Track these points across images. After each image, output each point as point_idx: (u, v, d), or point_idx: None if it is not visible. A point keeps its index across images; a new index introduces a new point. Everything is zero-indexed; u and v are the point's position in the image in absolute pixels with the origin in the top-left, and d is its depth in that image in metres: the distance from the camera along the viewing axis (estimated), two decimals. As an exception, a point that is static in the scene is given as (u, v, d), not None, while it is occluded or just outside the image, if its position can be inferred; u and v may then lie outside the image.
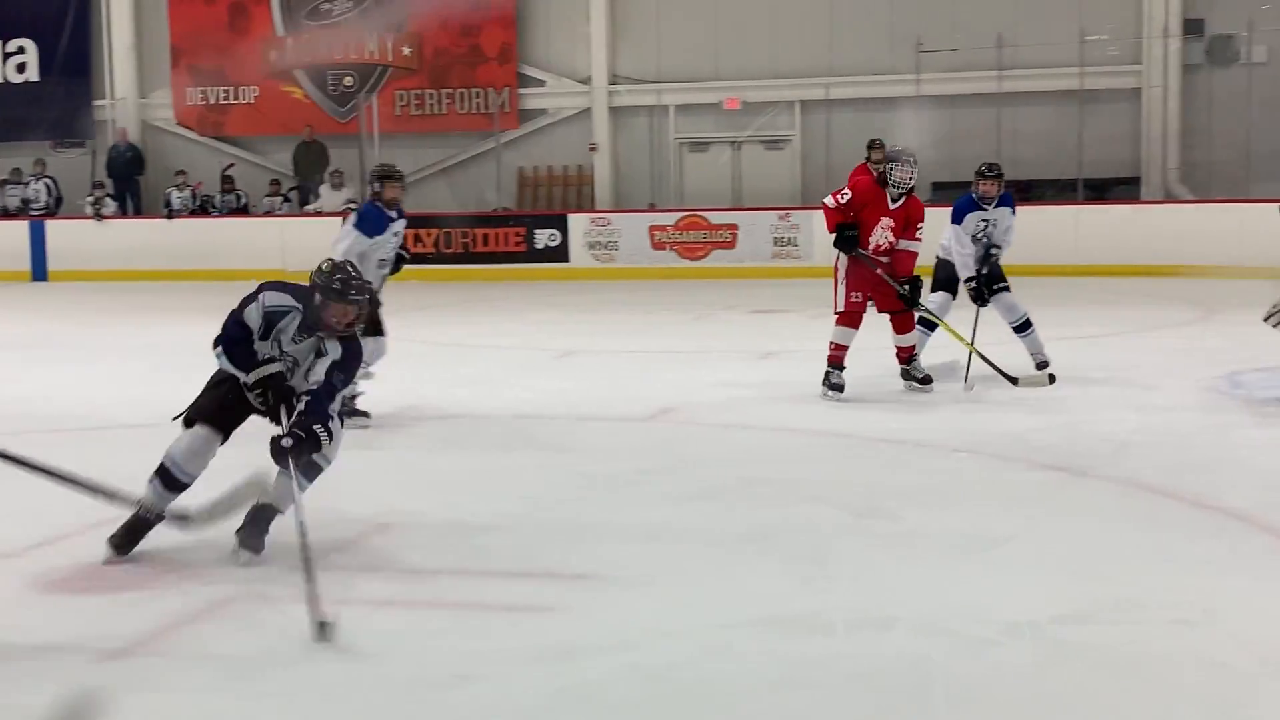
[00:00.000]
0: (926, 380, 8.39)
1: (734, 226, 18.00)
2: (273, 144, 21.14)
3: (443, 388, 9.05)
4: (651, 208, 19.23)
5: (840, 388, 8.15)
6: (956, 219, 8.71)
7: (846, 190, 8.32)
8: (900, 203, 8.24)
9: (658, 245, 17.91)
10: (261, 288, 5.09)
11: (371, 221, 7.77)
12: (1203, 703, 3.55)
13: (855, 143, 19.09)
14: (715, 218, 18.03)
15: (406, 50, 20.75)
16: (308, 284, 5.05)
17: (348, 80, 20.99)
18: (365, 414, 7.59)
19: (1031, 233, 16.23)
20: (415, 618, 4.33)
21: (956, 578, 4.61)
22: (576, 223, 18.31)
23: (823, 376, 8.24)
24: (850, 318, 8.26)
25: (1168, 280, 15.40)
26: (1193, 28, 18.02)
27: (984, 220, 8.73)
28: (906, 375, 8.46)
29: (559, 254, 18.30)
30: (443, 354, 10.96)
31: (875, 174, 8.95)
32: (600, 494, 5.99)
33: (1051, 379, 8.26)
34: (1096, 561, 4.75)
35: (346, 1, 20.84)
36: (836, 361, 8.22)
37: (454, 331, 12.48)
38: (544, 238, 18.41)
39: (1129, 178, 18.15)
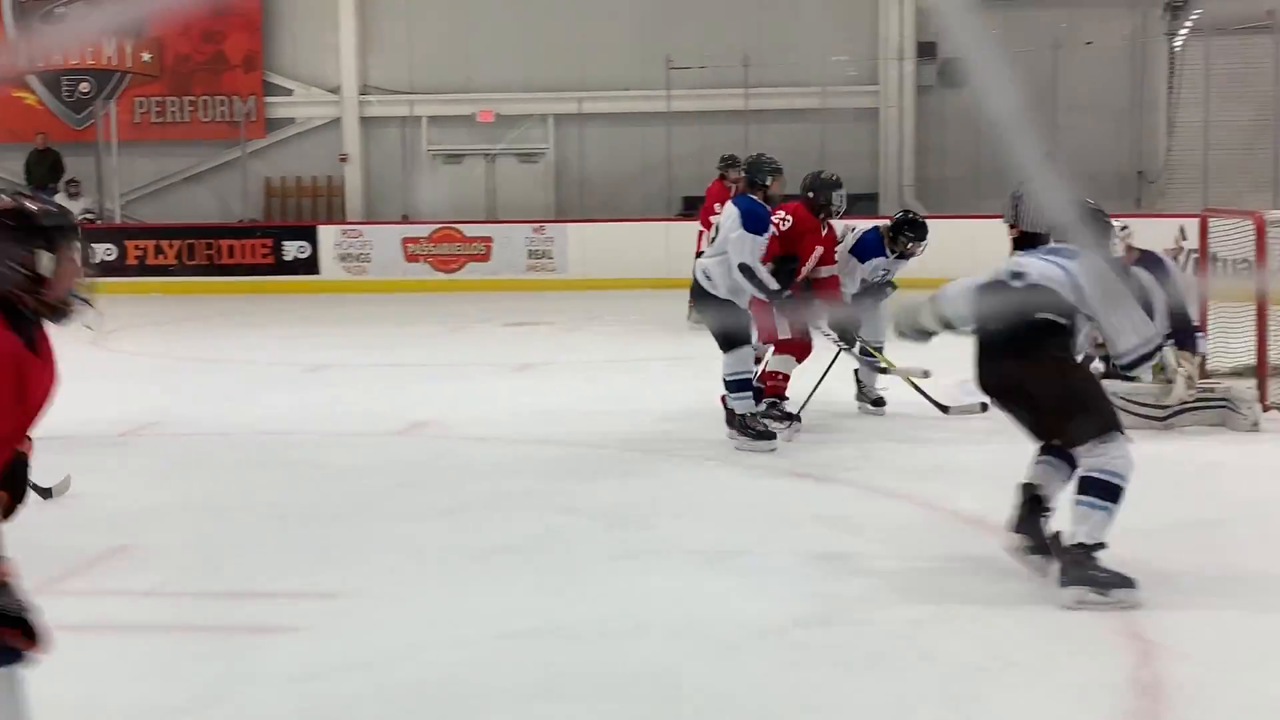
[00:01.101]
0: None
1: (488, 239, 17.97)
2: (3, 151, 20.15)
3: (186, 404, 8.79)
4: (404, 220, 19.06)
5: (792, 417, 7.45)
6: (862, 256, 8.31)
7: (787, 216, 7.71)
8: (827, 229, 7.98)
9: (411, 258, 17.74)
10: None
11: (757, 219, 7.07)
12: (937, 697, 3.71)
13: (608, 156, 19.40)
14: (469, 230, 17.98)
15: (146, 56, 20.08)
16: None
17: (84, 86, 20.18)
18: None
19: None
20: (159, 641, 4.20)
21: (705, 585, 4.72)
22: (327, 234, 18.00)
23: (766, 409, 7.46)
24: (793, 346, 7.66)
25: (904, 294, 16.02)
26: (926, 51, 18.83)
27: (886, 270, 8.44)
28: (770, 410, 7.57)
29: (309, 266, 17.95)
30: (187, 369, 10.65)
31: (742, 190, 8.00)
32: (351, 510, 5.92)
33: (984, 407, 6.60)
34: (836, 564, 4.92)
35: (82, 6, 20.03)
36: (778, 392, 7.63)
37: (198, 346, 12.13)
38: (293, 249, 18.05)
39: (868, 194, 18.83)
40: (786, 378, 7.67)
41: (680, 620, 4.31)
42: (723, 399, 7.28)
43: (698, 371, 9.94)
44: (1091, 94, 17.37)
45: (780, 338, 7.60)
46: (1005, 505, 5.69)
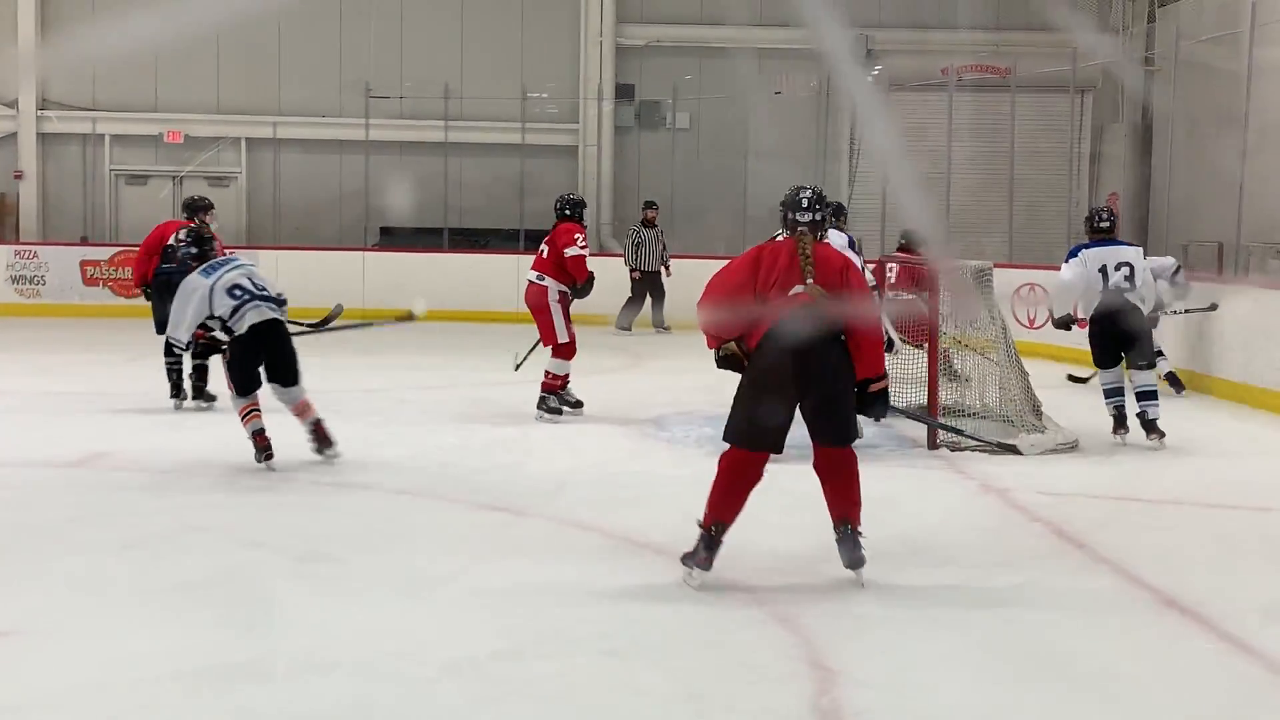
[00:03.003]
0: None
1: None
2: None
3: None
4: (84, 241, 18.20)
5: (576, 404, 9.26)
6: None
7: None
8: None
9: (90, 281, 16.95)
10: None
11: None
12: (627, 727, 3.77)
13: (304, 183, 19.02)
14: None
15: None
16: None
17: None
18: None
19: (476, 280, 16.84)
20: None
21: (397, 619, 4.66)
22: (0, 254, 17.01)
23: (540, 401, 9.16)
24: (571, 349, 9.19)
25: (599, 330, 16.27)
26: (624, 92, 19.24)
27: None
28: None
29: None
30: None
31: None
32: (21, 544, 5.60)
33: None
34: (532, 597, 4.94)
35: None
36: (553, 389, 9.18)
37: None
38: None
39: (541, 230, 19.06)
40: (565, 377, 9.20)
41: (372, 654, 4.24)
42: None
43: (396, 401, 9.87)
44: (781, 141, 18.06)
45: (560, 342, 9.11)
46: (691, 535, 5.85)
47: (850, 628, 4.63)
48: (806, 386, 5.04)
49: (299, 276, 16.70)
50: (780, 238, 5.43)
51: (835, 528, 5.17)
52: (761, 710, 3.88)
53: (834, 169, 18.73)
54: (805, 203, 5.27)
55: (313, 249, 17.69)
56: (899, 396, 9.16)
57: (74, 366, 11.97)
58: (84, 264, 17.07)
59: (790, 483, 7.16)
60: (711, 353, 5.27)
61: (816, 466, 5.21)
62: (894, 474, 7.43)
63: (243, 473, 7.15)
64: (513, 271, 17.08)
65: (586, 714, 3.85)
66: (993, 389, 8.54)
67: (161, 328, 8.28)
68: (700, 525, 5.11)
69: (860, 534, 5.14)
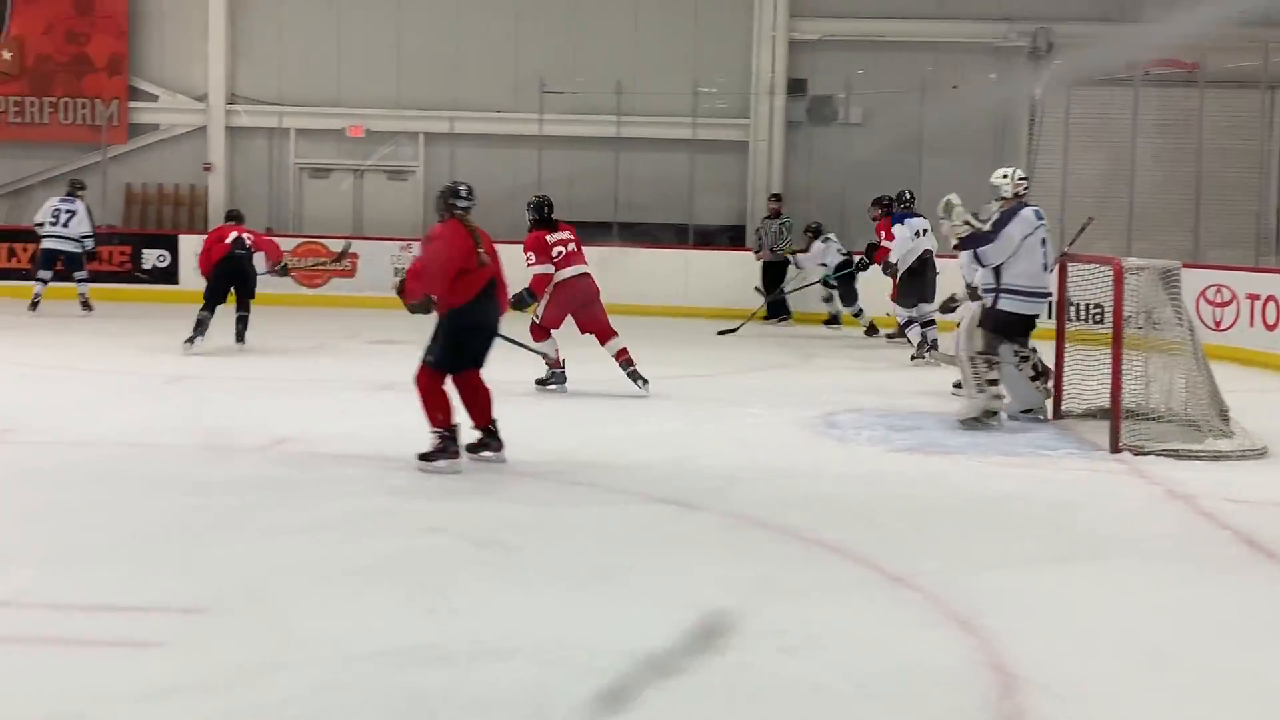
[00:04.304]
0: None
1: (355, 255, 17.79)
2: None
3: (42, 412, 8.53)
4: (269, 232, 18.74)
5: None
6: None
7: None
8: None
9: (273, 272, 17.43)
10: None
11: None
12: (803, 724, 3.75)
13: (478, 177, 19.27)
14: (335, 245, 17.76)
15: (6, 55, 19.50)
16: None
17: (-62, 82, 19.55)
18: None
19: (645, 274, 16.93)
20: (12, 654, 4.06)
21: (573, 608, 4.71)
22: (187, 244, 17.63)
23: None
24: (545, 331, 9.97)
25: (772, 326, 16.26)
26: (796, 87, 19.13)
27: None
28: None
29: (168, 275, 17.61)
30: (42, 377, 10.34)
31: None
32: (211, 525, 5.79)
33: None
34: (705, 591, 4.94)
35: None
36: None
37: (54, 353, 11.78)
38: (152, 258, 17.68)
39: (735, 225, 19.06)
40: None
41: (550, 642, 4.29)
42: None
43: (560, 395, 9.98)
44: (955, 137, 17.78)
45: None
46: (870, 537, 5.80)
47: (1032, 632, 4.53)
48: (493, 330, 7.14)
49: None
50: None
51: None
52: (942, 712, 3.82)
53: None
54: (464, 192, 7.13)
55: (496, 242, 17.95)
56: (1081, 398, 8.98)
57: (260, 353, 12.34)
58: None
59: (971, 485, 7.07)
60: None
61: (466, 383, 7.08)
62: (1075, 478, 7.26)
63: (406, 463, 7.28)
64: (680, 266, 17.24)
65: (764, 711, 3.84)
66: (1179, 392, 8.28)
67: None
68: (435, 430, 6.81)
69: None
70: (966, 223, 8.82)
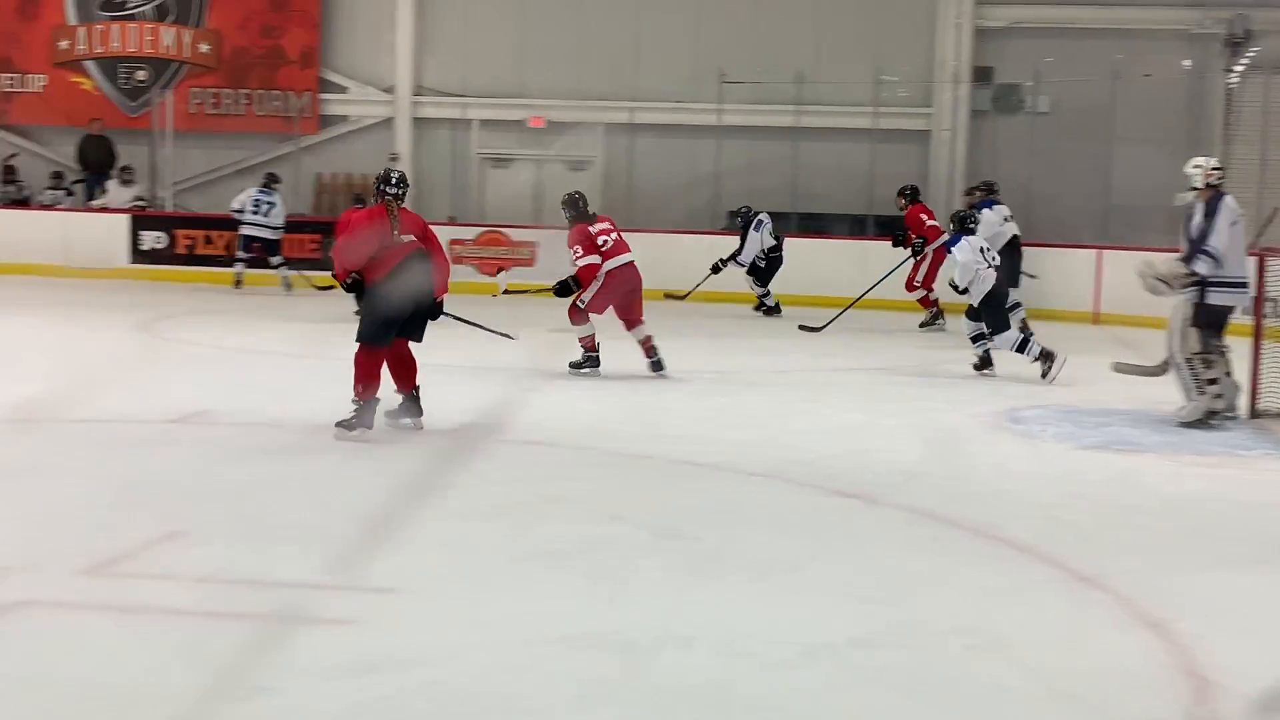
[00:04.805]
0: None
1: (533, 244, 18.02)
2: (58, 135, 20.37)
3: (237, 394, 8.83)
4: (451, 221, 19.11)
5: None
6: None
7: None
8: None
9: (456, 259, 17.77)
10: None
11: None
12: (988, 724, 3.70)
13: (657, 167, 19.41)
14: (515, 234, 18.03)
15: (204, 48, 20.24)
16: None
17: (141, 74, 20.35)
18: None
19: (823, 265, 16.80)
20: (211, 627, 4.22)
21: (753, 599, 4.70)
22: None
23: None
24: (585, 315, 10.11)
25: (952, 318, 15.98)
26: (981, 76, 18.78)
27: None
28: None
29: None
30: (236, 360, 10.69)
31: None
32: (400, 507, 5.93)
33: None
34: (887, 586, 4.90)
35: (143, -6, 20.27)
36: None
37: (247, 337, 12.18)
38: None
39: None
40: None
41: (729, 634, 4.30)
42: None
43: (740, 386, 9.98)
44: (1146, 126, 17.27)
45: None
46: (1057, 535, 5.68)
47: (1227, 636, 4.38)
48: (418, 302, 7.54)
49: (648, 260, 17.12)
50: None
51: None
52: (1135, 717, 3.73)
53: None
54: (394, 179, 7.61)
55: (663, 232, 18.05)
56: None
57: (447, 341, 12.57)
58: (451, 243, 17.90)
59: (1162, 484, 6.87)
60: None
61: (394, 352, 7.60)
62: (1271, 479, 7.02)
63: (596, 450, 7.36)
64: (858, 257, 17.04)
65: (947, 709, 3.79)
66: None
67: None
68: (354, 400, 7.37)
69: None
70: (1168, 275, 8.44)
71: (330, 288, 13.75)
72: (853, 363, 10.83)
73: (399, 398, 7.73)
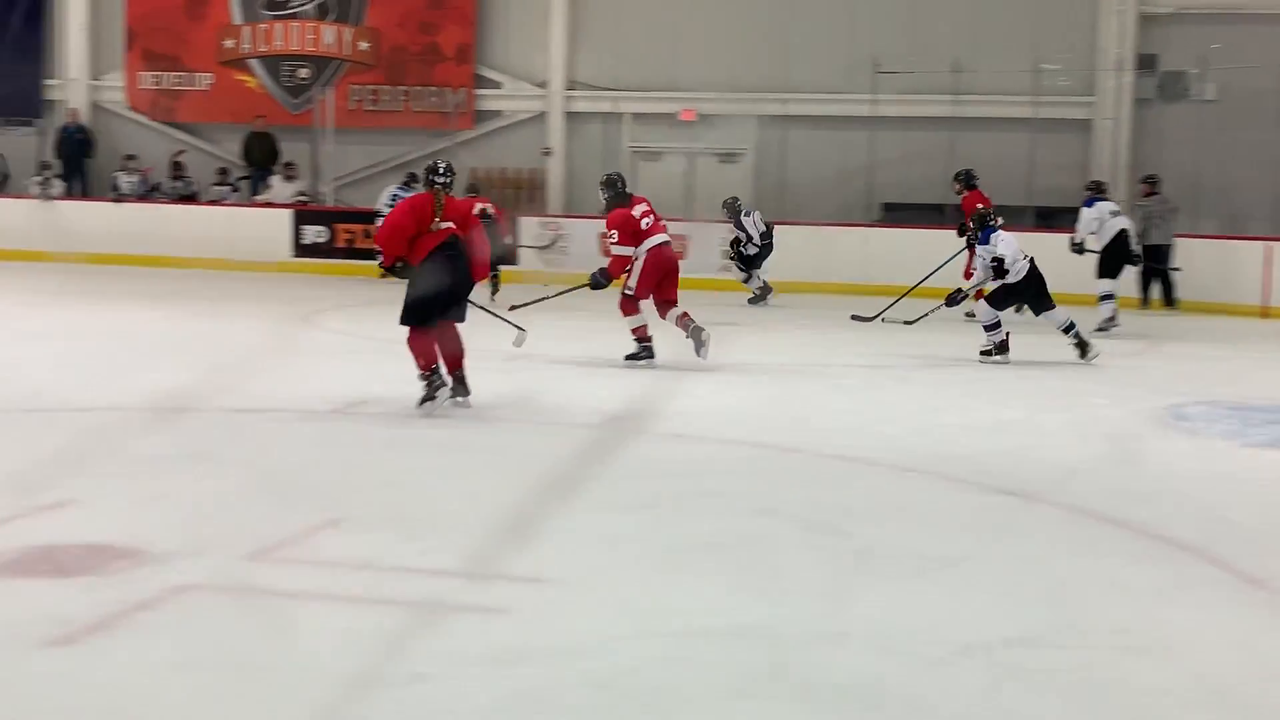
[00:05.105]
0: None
1: (684, 237, 18.02)
2: (223, 132, 20.97)
3: (392, 384, 8.98)
4: (603, 215, 19.19)
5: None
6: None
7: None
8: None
9: (607, 252, 17.82)
10: None
11: None
12: (1151, 729, 3.59)
13: (809, 159, 19.28)
14: (671, 229, 18.03)
15: (364, 45, 20.65)
16: None
17: (303, 72, 20.85)
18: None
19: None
20: (368, 614, 4.29)
21: (907, 596, 4.63)
22: (526, 226, 18.26)
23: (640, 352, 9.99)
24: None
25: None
26: (1146, 63, 18.27)
27: None
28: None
29: (507, 256, 18.22)
30: (393, 351, 10.87)
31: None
32: (551, 498, 5.97)
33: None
34: (1045, 586, 4.79)
35: (305, -7, 20.76)
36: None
37: (400, 331, 12.35)
38: (612, 235, 18.28)
39: (1078, 207, 18.36)
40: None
41: (882, 630, 4.24)
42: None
43: (895, 378, 9.85)
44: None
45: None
46: (1223, 536, 5.50)
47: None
48: (456, 285, 7.90)
49: (801, 252, 17.03)
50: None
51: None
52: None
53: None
54: (442, 169, 8.01)
55: (816, 224, 17.93)
56: None
57: (591, 333, 12.65)
58: (602, 235, 17.98)
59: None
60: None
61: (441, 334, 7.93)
62: None
63: (744, 444, 7.33)
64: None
65: (1105, 711, 3.69)
66: None
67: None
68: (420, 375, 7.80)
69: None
70: None
71: (494, 278, 14.20)
72: (1010, 355, 10.60)
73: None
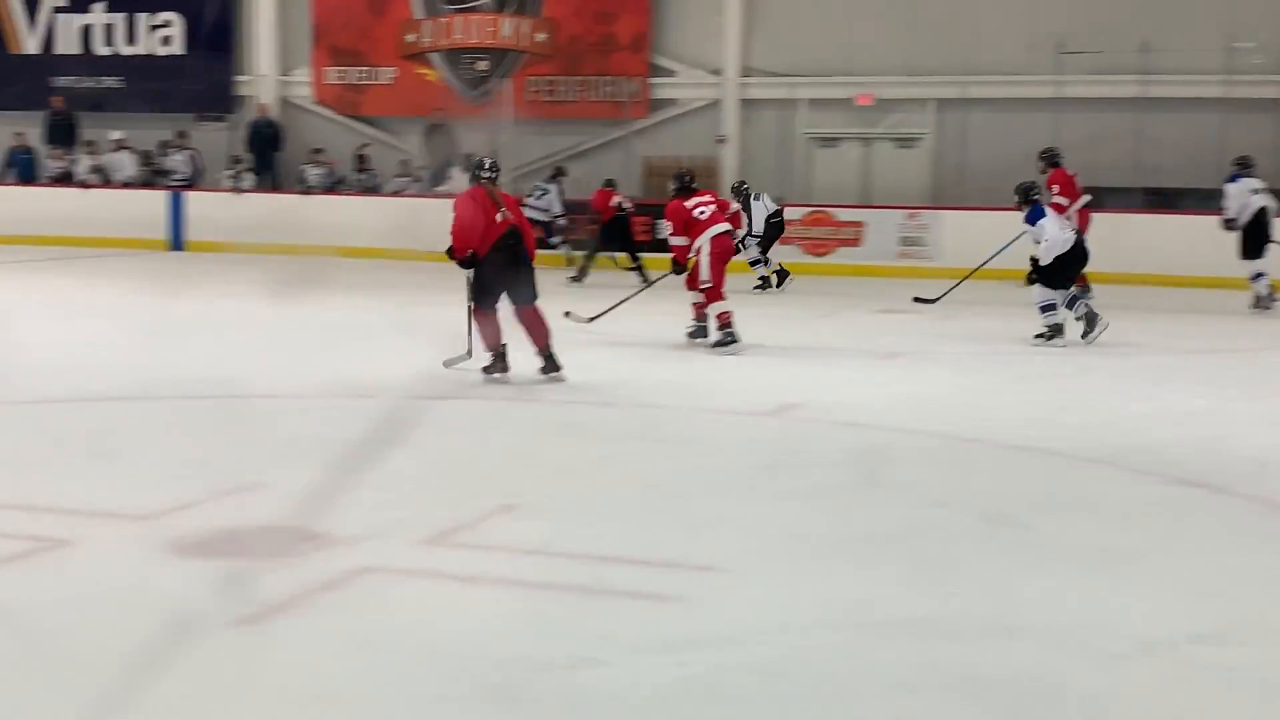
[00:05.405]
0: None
1: (860, 224, 17.85)
2: (405, 125, 21.42)
3: (570, 374, 9.08)
4: (778, 202, 19.10)
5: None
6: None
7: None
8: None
9: (782, 240, 17.78)
10: None
11: None
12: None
13: (990, 143, 18.88)
14: (842, 214, 17.90)
15: (541, 36, 20.88)
16: None
17: (481, 64, 21.17)
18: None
19: (1171, 242, 16.00)
20: (539, 598, 4.35)
21: (1088, 590, 4.51)
22: (702, 214, 18.24)
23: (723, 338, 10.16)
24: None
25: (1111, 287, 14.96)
26: (1348, 38, 17.47)
27: None
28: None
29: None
30: (562, 341, 10.97)
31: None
32: (721, 487, 5.97)
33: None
34: (1233, 581, 4.62)
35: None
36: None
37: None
38: (668, 228, 18.33)
39: (1273, 189, 17.66)
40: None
41: (1061, 625, 4.14)
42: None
43: (1078, 367, 9.61)
44: None
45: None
46: None
47: None
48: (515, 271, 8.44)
49: (983, 237, 16.69)
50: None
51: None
52: None
53: None
54: (487, 164, 8.53)
55: (997, 209, 17.55)
56: None
57: (767, 321, 12.61)
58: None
59: None
60: None
61: (522, 317, 8.47)
62: None
63: (920, 433, 7.22)
64: (1207, 234, 16.15)
65: (1273, 711, 3.55)
66: None
67: None
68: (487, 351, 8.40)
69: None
70: None
71: (637, 268, 15.42)
72: (1199, 345, 10.26)
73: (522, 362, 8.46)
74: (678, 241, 10.53)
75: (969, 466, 6.54)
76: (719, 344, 10.22)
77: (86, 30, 22.51)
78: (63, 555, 4.67)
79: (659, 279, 11.52)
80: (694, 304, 10.61)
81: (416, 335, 10.80)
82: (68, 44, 22.58)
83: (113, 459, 6.20)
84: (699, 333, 10.57)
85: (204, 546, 4.76)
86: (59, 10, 22.53)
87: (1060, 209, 13.17)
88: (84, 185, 20.63)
